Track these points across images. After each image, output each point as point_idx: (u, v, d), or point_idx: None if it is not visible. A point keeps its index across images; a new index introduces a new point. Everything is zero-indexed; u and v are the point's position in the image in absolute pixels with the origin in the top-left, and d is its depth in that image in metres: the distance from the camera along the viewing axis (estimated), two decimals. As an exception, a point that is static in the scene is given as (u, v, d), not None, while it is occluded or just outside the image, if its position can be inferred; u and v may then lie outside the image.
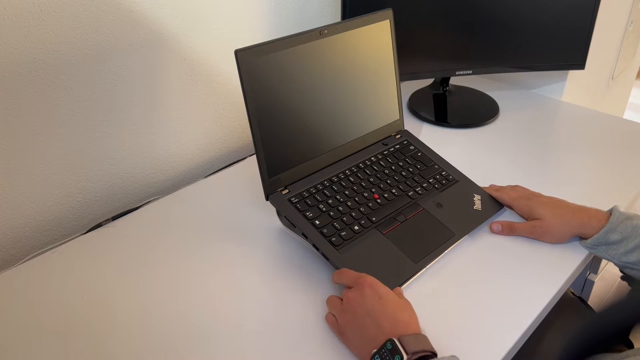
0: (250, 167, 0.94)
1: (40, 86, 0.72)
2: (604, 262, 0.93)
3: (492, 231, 0.76)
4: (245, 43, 0.95)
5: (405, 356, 0.53)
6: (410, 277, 0.68)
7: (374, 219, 0.73)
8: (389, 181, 0.79)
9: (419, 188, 0.79)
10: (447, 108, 1.12)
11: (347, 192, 0.75)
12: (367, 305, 0.60)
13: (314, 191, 0.74)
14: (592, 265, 0.94)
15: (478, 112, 1.11)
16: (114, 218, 0.82)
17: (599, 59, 1.36)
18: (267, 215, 0.80)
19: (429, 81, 1.19)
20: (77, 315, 0.65)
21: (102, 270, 0.72)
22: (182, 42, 0.86)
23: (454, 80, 1.17)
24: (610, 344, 0.74)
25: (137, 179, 0.90)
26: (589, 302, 0.91)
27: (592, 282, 1.07)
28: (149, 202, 0.86)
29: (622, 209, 0.72)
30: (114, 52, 0.78)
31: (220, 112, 0.97)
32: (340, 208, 0.73)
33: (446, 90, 1.15)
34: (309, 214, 0.71)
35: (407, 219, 0.74)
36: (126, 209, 0.84)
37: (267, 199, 0.73)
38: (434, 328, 0.62)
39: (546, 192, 0.80)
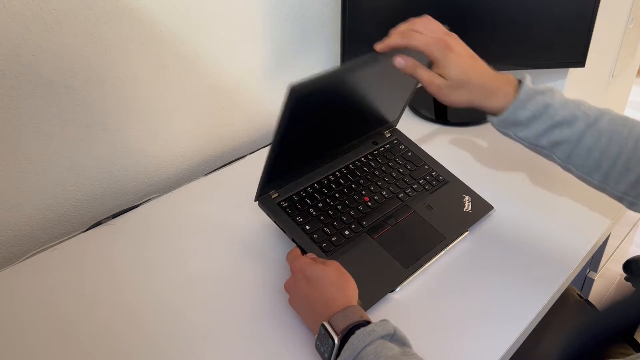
0: (251, 165, 0.94)
1: (40, 84, 0.72)
2: (603, 260, 0.93)
3: (396, 64, 0.66)
4: (245, 42, 0.95)
5: (336, 337, 0.53)
6: (401, 283, 0.68)
7: (364, 222, 0.72)
8: (379, 182, 0.78)
9: (409, 189, 0.79)
10: (447, 106, 1.12)
11: (337, 195, 0.75)
12: (300, 292, 0.60)
13: (304, 194, 0.73)
14: (592, 263, 0.94)
15: (478, 110, 1.10)
16: (114, 216, 0.82)
17: (599, 56, 1.35)
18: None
19: (429, 79, 1.19)
20: (77, 313, 0.65)
21: (102, 268, 0.72)
22: (181, 39, 0.85)
23: (454, 78, 1.17)
24: (613, 343, 0.74)
25: (137, 177, 0.90)
26: (589, 300, 0.90)
27: (592, 280, 1.07)
28: (149, 200, 0.86)
29: (530, 79, 0.64)
30: (113, 50, 0.78)
31: (220, 110, 0.97)
32: (331, 212, 0.72)
33: (446, 88, 1.15)
34: (299, 219, 0.70)
35: (397, 222, 0.74)
36: (126, 207, 0.84)
37: (256, 200, 0.72)
38: (430, 331, 0.62)
39: (546, 191, 0.80)
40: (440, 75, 0.63)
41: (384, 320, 0.54)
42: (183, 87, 0.89)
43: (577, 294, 0.88)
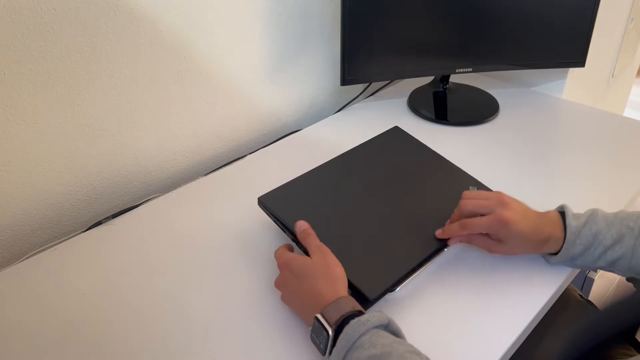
0: (250, 165, 0.94)
1: (39, 84, 0.72)
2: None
3: (450, 245, 0.70)
4: (245, 42, 0.95)
5: (329, 329, 0.54)
6: (403, 280, 0.67)
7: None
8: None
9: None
10: (447, 106, 1.12)
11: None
12: (290, 288, 0.62)
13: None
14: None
15: (478, 110, 1.11)
16: (114, 216, 0.82)
17: (599, 56, 1.35)
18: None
19: (429, 79, 1.19)
20: (77, 314, 0.65)
21: (102, 268, 0.72)
22: (182, 39, 0.85)
23: (454, 78, 1.17)
24: (615, 343, 0.74)
25: (137, 177, 0.90)
26: (590, 300, 0.90)
27: (592, 280, 1.07)
28: (149, 200, 0.86)
29: (571, 213, 0.67)
30: (113, 50, 0.78)
31: (220, 110, 0.97)
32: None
33: (446, 88, 1.15)
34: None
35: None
36: (126, 207, 0.84)
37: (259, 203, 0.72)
38: (430, 330, 0.62)
39: (546, 190, 0.80)
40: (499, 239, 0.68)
41: (379, 310, 0.55)
42: (183, 87, 0.89)
43: (579, 294, 0.88)
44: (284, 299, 0.64)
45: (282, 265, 0.63)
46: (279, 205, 0.71)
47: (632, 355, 0.73)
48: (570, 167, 0.93)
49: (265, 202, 0.72)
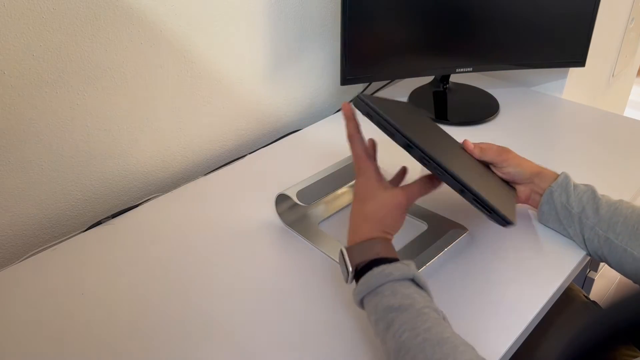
0: (250, 165, 0.94)
1: (39, 84, 0.72)
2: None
3: (465, 146, 0.74)
4: (245, 41, 0.95)
5: (349, 269, 0.56)
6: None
7: None
8: None
9: None
10: (447, 106, 1.12)
11: None
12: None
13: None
14: (592, 263, 0.94)
15: (478, 109, 1.11)
16: (114, 216, 0.82)
17: (599, 56, 1.35)
18: (267, 214, 0.80)
19: (429, 79, 1.19)
20: (77, 313, 0.65)
21: (102, 268, 0.72)
22: (181, 39, 0.85)
23: (454, 78, 1.17)
24: (619, 342, 0.74)
25: (136, 176, 0.90)
26: (595, 301, 0.90)
27: (592, 280, 1.07)
28: (149, 199, 0.86)
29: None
30: (113, 49, 0.78)
31: (220, 110, 0.97)
32: None
33: (446, 88, 1.15)
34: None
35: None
36: (126, 207, 0.84)
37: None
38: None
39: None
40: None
41: (407, 263, 0.55)
42: (182, 87, 0.89)
43: (584, 295, 0.87)
44: None
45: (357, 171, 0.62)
46: (382, 104, 0.63)
47: (637, 357, 0.72)
48: (570, 167, 0.92)
49: (367, 99, 0.62)
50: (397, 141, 0.60)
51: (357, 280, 0.56)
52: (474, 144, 0.74)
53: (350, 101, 0.63)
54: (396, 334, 0.50)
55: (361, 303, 0.56)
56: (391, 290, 0.52)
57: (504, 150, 0.73)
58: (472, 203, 0.62)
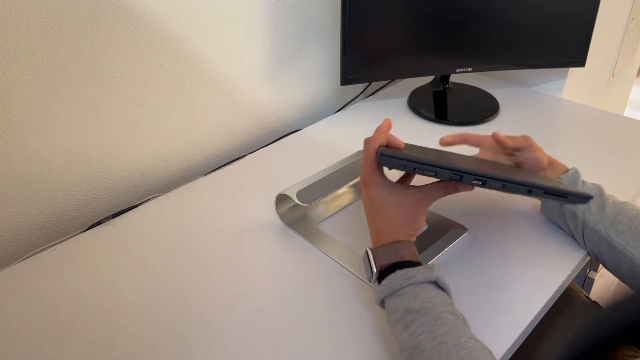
0: (250, 165, 0.94)
1: (39, 84, 0.72)
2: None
3: (496, 137, 0.74)
4: (245, 41, 0.95)
5: (374, 270, 0.57)
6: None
7: None
8: None
9: None
10: (447, 106, 1.12)
11: None
12: (364, 206, 0.62)
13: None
14: (592, 263, 0.94)
15: (478, 109, 1.11)
16: (114, 216, 0.82)
17: (599, 56, 1.35)
18: (267, 214, 0.80)
19: (429, 79, 1.19)
20: (77, 313, 0.65)
21: (102, 268, 0.72)
22: (181, 39, 0.85)
23: (454, 78, 1.17)
24: (619, 342, 0.74)
25: (137, 176, 0.90)
26: (596, 302, 0.90)
27: (592, 280, 1.07)
28: (149, 199, 0.86)
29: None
30: (113, 49, 0.78)
31: (220, 110, 0.97)
32: None
33: (446, 88, 1.15)
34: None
35: None
36: (126, 207, 0.84)
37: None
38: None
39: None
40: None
41: (430, 267, 0.56)
42: (182, 87, 0.89)
43: (585, 295, 0.87)
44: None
45: (361, 182, 0.61)
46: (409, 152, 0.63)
47: (637, 357, 0.72)
48: (570, 166, 0.92)
49: (394, 153, 0.61)
50: (441, 177, 0.59)
51: (379, 281, 0.57)
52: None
53: (376, 158, 0.61)
54: (413, 334, 0.51)
55: (382, 303, 0.57)
56: (412, 292, 0.53)
57: (527, 137, 0.75)
58: (542, 197, 0.63)
